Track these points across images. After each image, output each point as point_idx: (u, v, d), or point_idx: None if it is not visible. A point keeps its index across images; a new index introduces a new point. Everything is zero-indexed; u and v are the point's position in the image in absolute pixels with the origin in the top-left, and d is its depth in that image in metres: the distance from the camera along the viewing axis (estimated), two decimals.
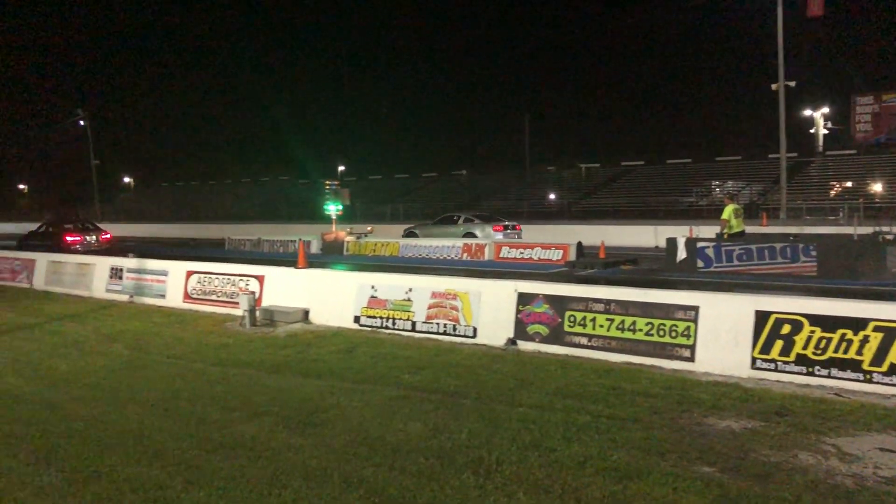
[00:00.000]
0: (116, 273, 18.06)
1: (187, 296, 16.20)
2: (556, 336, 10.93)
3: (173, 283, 16.55)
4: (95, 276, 18.65)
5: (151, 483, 6.25)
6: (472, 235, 29.92)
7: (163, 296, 16.68)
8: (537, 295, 11.31)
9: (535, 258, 24.54)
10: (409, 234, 32.66)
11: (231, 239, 34.45)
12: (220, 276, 15.76)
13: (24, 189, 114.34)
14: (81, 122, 62.37)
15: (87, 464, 6.73)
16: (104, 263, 18.70)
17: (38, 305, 17.33)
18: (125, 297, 17.42)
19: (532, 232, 34.07)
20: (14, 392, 9.77)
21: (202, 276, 16.08)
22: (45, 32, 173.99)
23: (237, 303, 14.89)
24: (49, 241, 30.20)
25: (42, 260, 21.05)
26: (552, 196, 63.73)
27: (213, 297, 15.70)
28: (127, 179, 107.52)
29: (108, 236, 32.87)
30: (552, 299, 11.13)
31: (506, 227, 31.12)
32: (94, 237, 32.11)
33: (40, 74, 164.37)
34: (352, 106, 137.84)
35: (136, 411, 8.51)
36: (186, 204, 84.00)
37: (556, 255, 24.30)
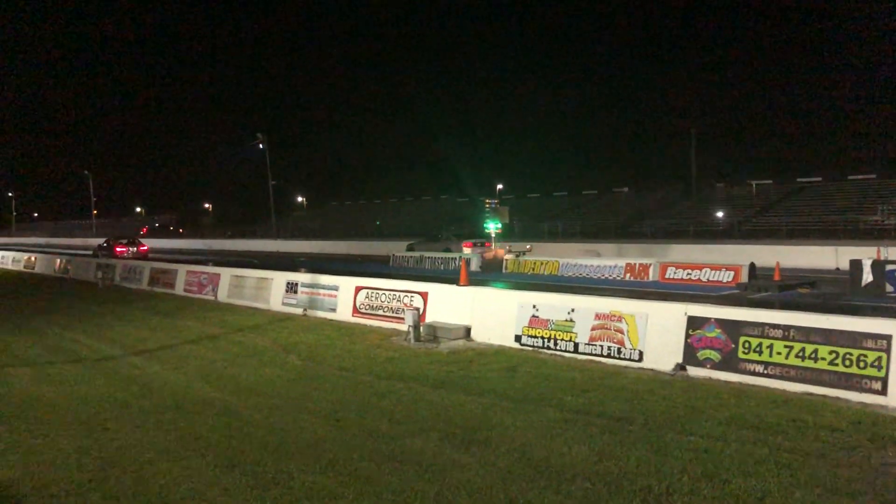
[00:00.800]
0: (292, 287, 19.11)
1: (356, 310, 16.86)
2: (729, 362, 10.39)
3: (343, 298, 17.29)
4: (273, 290, 19.84)
5: (325, 492, 6.51)
6: (449, 250, 36.58)
7: (333, 310, 17.46)
8: (709, 319, 10.82)
9: (704, 279, 23.53)
10: (409, 248, 39.38)
11: (396, 256, 35.60)
12: (387, 292, 16.27)
13: (208, 207, 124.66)
14: (261, 146, 66.84)
15: (267, 469, 7.11)
16: (281, 279, 19.84)
17: (221, 317, 18.65)
18: (299, 311, 18.41)
19: (699, 252, 32.75)
20: (202, 398, 10.51)
21: (370, 291, 16.69)
22: (230, 67, 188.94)
23: (402, 318, 15.29)
24: (108, 251, 45.71)
25: (226, 274, 22.69)
26: (720, 214, 61.01)
27: (380, 312, 16.23)
28: (300, 199, 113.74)
29: (145, 248, 47.35)
30: (725, 324, 10.61)
31: (475, 244, 36.47)
32: (135, 248, 46.62)
33: (224, 103, 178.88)
34: (511, 124, 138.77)
35: (310, 421, 8.91)
36: (353, 222, 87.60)
37: (726, 276, 23.19)
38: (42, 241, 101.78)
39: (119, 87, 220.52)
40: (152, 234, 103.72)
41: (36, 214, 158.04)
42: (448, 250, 36.56)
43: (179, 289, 24.95)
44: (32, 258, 42.60)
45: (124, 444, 7.92)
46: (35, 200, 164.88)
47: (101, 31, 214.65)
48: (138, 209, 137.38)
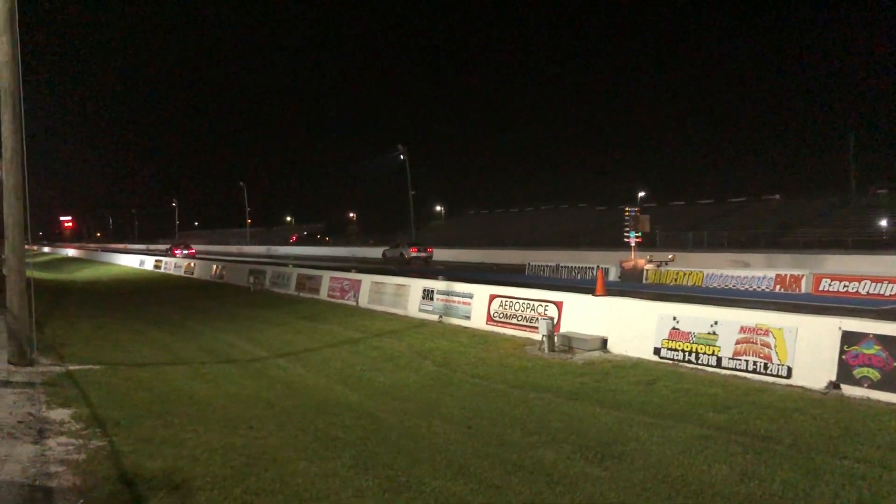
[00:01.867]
0: (428, 294, 19.45)
1: (490, 318, 16.91)
2: (891, 382, 9.60)
3: (478, 305, 17.39)
4: (410, 296, 20.28)
5: (455, 498, 6.53)
6: (402, 255, 48.72)
7: (468, 317, 17.60)
8: (867, 334, 10.05)
9: (863, 292, 21.91)
10: (384, 254, 52.92)
11: (531, 265, 35.46)
12: (521, 301, 16.22)
13: (353, 217, 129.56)
14: (402, 157, 68.47)
15: (399, 473, 7.23)
16: (418, 285, 20.23)
17: (362, 322, 19.23)
18: (435, 318, 18.69)
19: (858, 262, 30.55)
20: (341, 400, 10.86)
21: (504, 300, 16.69)
22: (373, 80, 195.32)
23: (536, 327, 15.15)
24: (168, 254, 63.17)
25: (366, 281, 23.39)
26: (883, 223, 56.71)
27: (514, 321, 16.19)
28: (438, 208, 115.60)
29: (193, 251, 67.15)
30: (886, 340, 9.81)
31: (419, 249, 49.51)
32: (185, 251, 68.73)
33: (368, 114, 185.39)
34: (654, 129, 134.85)
35: (443, 427, 8.99)
36: (490, 230, 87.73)
37: (889, 289, 21.49)
38: (200, 248, 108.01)
39: (272, 102, 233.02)
40: (301, 241, 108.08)
41: (196, 224, 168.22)
42: (402, 255, 48.02)
43: (324, 294, 25.92)
44: (192, 264, 45.45)
45: (267, 443, 8.29)
46: (195, 209, 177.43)
47: (255, 47, 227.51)
48: (288, 218, 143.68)
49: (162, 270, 49.14)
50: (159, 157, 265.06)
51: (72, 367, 12.72)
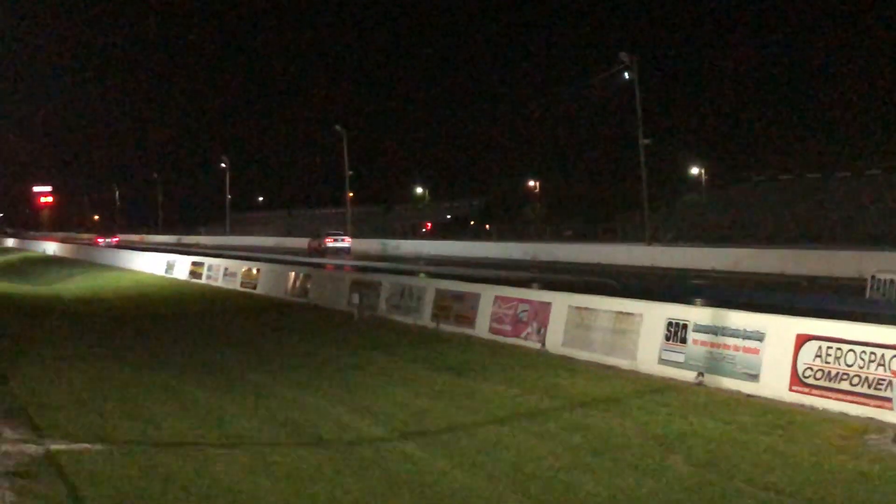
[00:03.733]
0: (676, 332, 11.90)
1: (797, 379, 9.48)
2: None
3: (773, 353, 9.93)
4: (642, 334, 12.64)
5: None
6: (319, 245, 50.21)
7: (754, 376, 10.10)
8: None
9: None
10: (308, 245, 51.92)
11: (879, 279, 20.10)
12: (859, 348, 8.79)
13: (535, 187, 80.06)
14: (627, 74, 41.57)
15: None
16: (656, 315, 12.47)
17: (552, 379, 12.04)
18: (690, 375, 11.18)
19: None
20: None
21: (826, 344, 9.27)
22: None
23: (889, 399, 8.50)
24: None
25: (560, 304, 14.55)
26: None
27: (844, 386, 8.82)
28: (694, 170, 65.89)
29: (117, 238, 60.20)
30: None
31: (335, 238, 51.08)
32: (110, 239, 61.46)
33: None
34: None
35: None
36: (784, 211, 48.24)
37: None
38: (261, 242, 71.79)
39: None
40: (440, 232, 71.83)
41: (261, 199, 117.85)
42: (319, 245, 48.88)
43: (482, 327, 16.24)
44: (254, 270, 28.72)
45: None
46: (250, 178, 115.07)
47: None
48: (419, 190, 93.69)
49: (204, 280, 31.69)
50: (195, 96, 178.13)
51: (55, 447, 7.85)
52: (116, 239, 79.85)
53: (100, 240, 78.05)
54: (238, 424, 9.48)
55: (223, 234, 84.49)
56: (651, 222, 41.68)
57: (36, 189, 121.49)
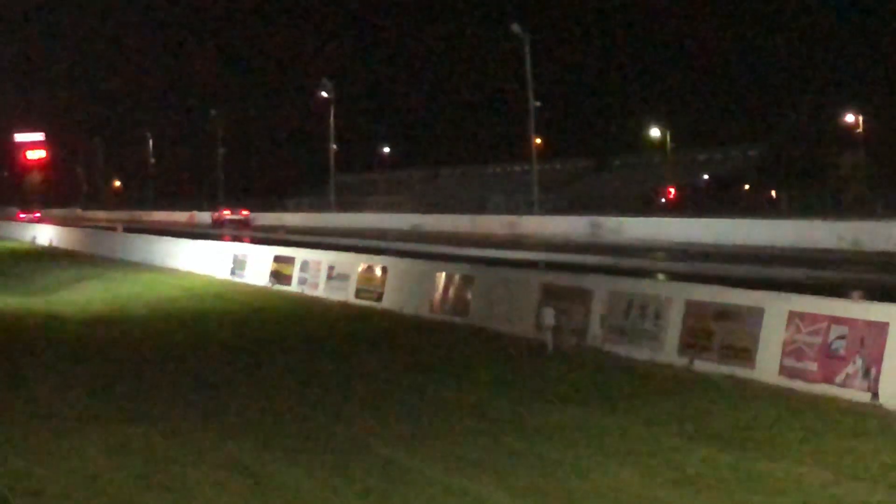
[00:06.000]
0: None
1: None
2: None
3: None
4: None
5: None
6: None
7: None
8: None
9: None
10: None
11: None
12: None
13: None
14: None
15: None
16: None
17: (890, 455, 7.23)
18: None
19: None
20: None
21: None
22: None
23: None
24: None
25: None
26: None
27: None
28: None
29: (38, 214, 57.75)
30: None
31: (232, 210, 55.51)
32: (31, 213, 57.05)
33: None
34: None
35: None
36: None
37: None
38: (372, 220, 52.80)
39: None
40: (689, 203, 44.64)
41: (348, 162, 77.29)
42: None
43: (767, 365, 10.31)
44: (378, 270, 18.37)
45: None
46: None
47: None
48: (654, 133, 54.52)
49: (294, 287, 20.77)
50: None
51: None
52: (37, 214, 55.61)
53: (22, 215, 57.28)
54: None
55: (323, 208, 59.85)
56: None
57: (20, 138, 78.60)
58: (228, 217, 53.28)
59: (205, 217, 63.24)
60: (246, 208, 57.74)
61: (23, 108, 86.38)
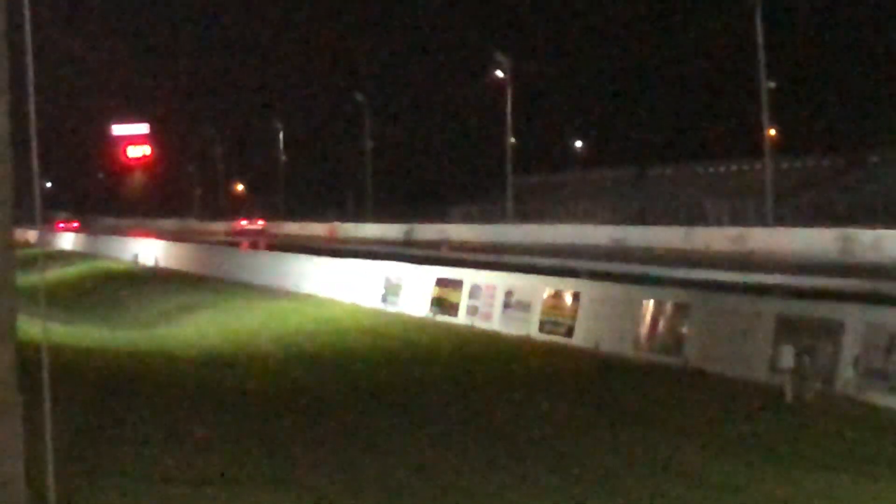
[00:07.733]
0: None
1: None
2: None
3: None
4: None
5: None
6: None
7: None
8: None
9: None
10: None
11: None
12: None
13: None
14: None
15: None
16: None
17: None
18: None
19: None
20: None
21: None
22: None
23: None
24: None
25: None
26: None
27: None
28: None
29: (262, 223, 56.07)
30: None
31: (249, 220, 55.47)
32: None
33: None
34: None
35: None
36: None
37: None
38: (564, 233, 42.58)
39: None
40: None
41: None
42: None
43: None
44: (568, 297, 15.39)
45: None
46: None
47: None
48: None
49: (462, 318, 17.55)
50: None
51: None
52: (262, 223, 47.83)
53: (243, 221, 51.37)
54: None
55: (497, 219, 51.56)
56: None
57: (119, 131, 65.73)
58: (246, 227, 52.03)
59: (349, 229, 54.97)
60: (262, 218, 55.54)
61: (122, 94, 70.62)
